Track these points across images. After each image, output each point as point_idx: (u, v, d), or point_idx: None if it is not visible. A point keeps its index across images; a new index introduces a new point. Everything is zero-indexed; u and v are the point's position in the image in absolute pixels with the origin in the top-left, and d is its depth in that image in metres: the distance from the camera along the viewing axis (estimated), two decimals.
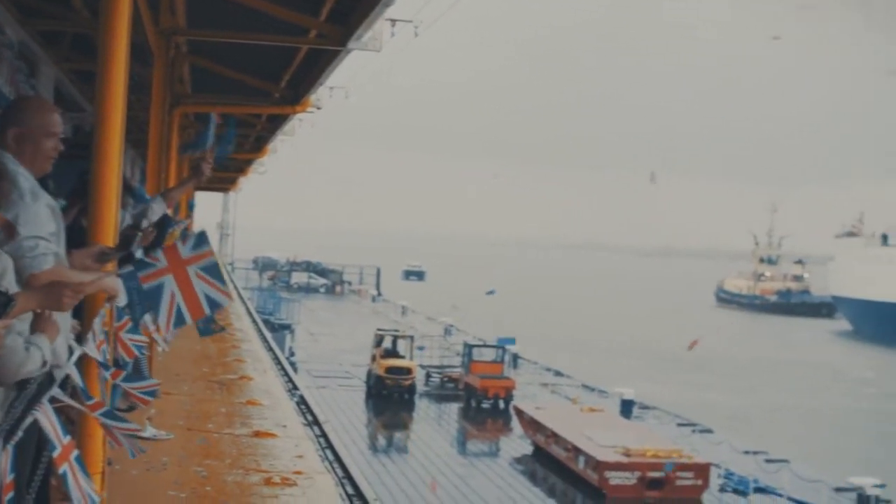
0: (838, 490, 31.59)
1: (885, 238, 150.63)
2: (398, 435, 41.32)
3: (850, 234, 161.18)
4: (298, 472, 9.52)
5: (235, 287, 51.97)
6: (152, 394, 6.29)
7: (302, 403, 36.46)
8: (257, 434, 10.92)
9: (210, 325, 9.46)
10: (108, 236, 6.47)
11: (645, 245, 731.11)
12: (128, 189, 8.34)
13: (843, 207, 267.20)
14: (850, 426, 69.39)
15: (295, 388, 38.97)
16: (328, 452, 33.73)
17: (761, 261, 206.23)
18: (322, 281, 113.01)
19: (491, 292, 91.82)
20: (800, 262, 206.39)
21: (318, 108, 29.92)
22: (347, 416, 42.13)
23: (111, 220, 6.55)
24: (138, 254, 6.97)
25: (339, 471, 30.68)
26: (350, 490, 28.23)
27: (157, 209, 8.63)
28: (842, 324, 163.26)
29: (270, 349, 48.56)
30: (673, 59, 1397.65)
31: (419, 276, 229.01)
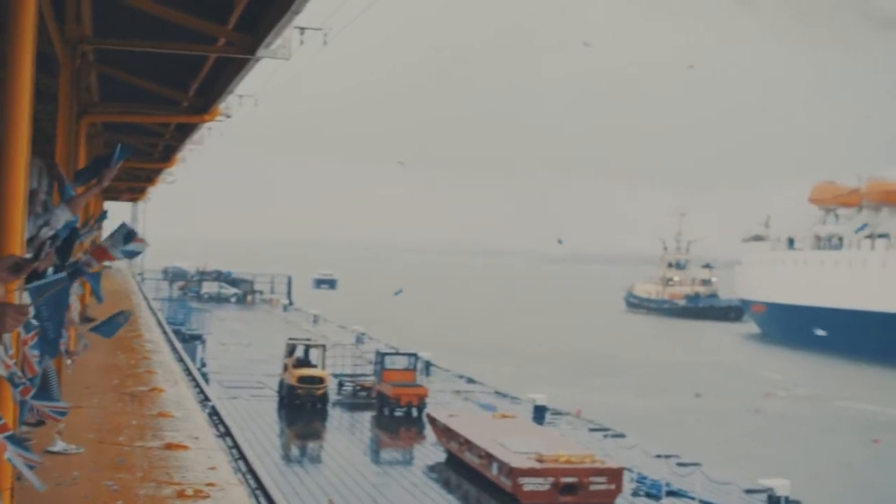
0: (749, 492, 31.94)
1: (790, 242, 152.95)
2: (311, 445, 41.12)
3: (757, 238, 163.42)
4: (211, 484, 9.43)
5: (145, 298, 51.44)
6: (62, 414, 6.20)
7: (214, 415, 36.19)
8: (169, 446, 10.81)
9: (115, 323, 9.18)
10: (16, 246, 6.38)
11: (555, 251, 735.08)
12: (35, 196, 8.20)
13: (751, 212, 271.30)
14: (761, 428, 70.31)
15: (207, 399, 38.65)
16: (241, 463, 33.50)
17: (670, 266, 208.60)
18: (233, 291, 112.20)
19: (398, 292, 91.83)
20: (708, 266, 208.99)
21: (228, 117, 29.77)
22: (260, 426, 41.84)
23: (18, 230, 6.46)
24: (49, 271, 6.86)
25: (251, 482, 30.47)
26: (263, 501, 28.06)
27: (61, 216, 8.49)
28: (750, 327, 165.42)
29: (181, 360, 48.08)
30: (580, 66, 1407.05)
31: (331, 284, 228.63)
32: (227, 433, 38.89)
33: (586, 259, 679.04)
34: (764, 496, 30.33)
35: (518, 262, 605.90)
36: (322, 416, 45.45)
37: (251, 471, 32.75)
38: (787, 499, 29.52)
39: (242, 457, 34.96)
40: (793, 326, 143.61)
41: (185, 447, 10.78)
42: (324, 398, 46.61)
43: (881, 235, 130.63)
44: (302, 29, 17.60)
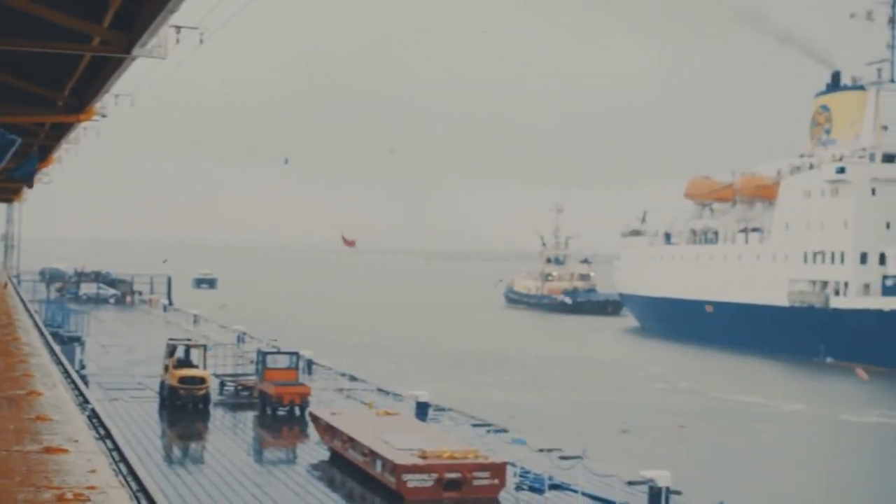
0: (631, 483, 32.35)
1: (667, 237, 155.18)
2: (193, 446, 40.77)
3: (635, 233, 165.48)
4: (92, 488, 9.34)
5: (22, 300, 50.55)
6: None
7: (94, 417, 35.67)
8: (48, 450, 10.67)
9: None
10: None
11: (435, 248, 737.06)
12: None
13: (629, 207, 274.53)
14: (642, 420, 71.25)
15: (86, 401, 38.06)
16: (122, 466, 33.04)
17: (548, 261, 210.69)
18: (112, 291, 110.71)
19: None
20: (586, 261, 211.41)
21: (104, 116, 29.37)
22: (141, 428, 41.38)
23: None
24: None
25: (133, 484, 30.09)
26: (145, 503, 27.74)
27: None
28: (629, 320, 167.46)
29: (60, 363, 47.31)
30: (458, 67, 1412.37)
31: (210, 283, 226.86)
32: (107, 436, 38.31)
33: (467, 255, 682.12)
34: (645, 487, 30.71)
35: (401, 260, 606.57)
36: (204, 416, 45.08)
37: (132, 473, 32.31)
38: (668, 489, 29.90)
39: (124, 459, 34.49)
40: (670, 320, 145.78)
41: (64, 451, 10.65)
42: (205, 398, 46.23)
43: (755, 229, 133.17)
44: (178, 28, 17.46)
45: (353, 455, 34.28)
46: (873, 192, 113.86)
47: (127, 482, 29.90)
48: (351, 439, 34.55)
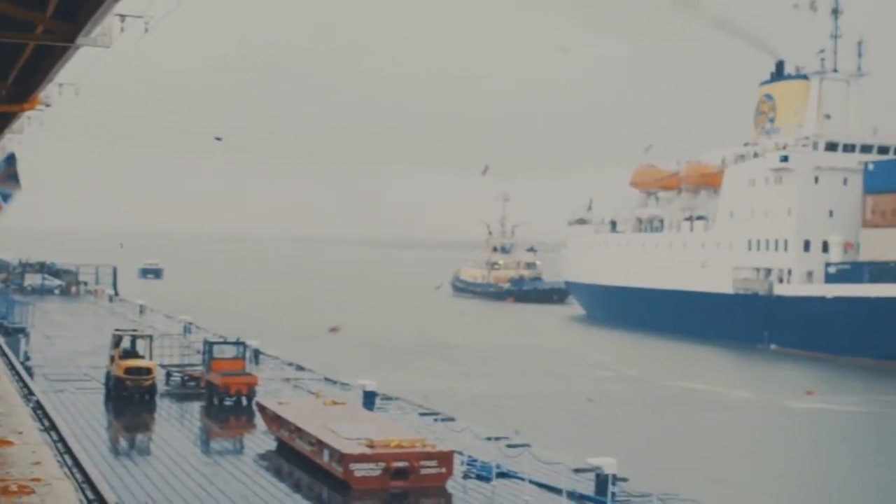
0: (577, 471, 32.49)
1: (613, 225, 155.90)
2: (140, 436, 40.53)
3: (581, 222, 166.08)
4: (36, 480, 9.32)
5: None
6: None
7: (38, 409, 35.47)
8: None
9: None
10: None
11: (383, 237, 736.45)
12: None
13: (576, 196, 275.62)
14: (589, 408, 71.62)
15: (31, 393, 37.85)
16: (67, 458, 32.86)
17: (495, 250, 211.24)
18: (57, 282, 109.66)
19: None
20: (532, 249, 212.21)
21: (48, 106, 29.15)
22: (87, 419, 41.07)
23: None
24: None
25: (78, 476, 29.92)
26: (91, 495, 27.58)
27: None
28: (575, 308, 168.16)
29: (4, 354, 47.00)
30: (406, 58, 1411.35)
31: (156, 274, 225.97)
32: (52, 427, 38.09)
33: (415, 244, 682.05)
34: (592, 475, 30.87)
35: (349, 250, 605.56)
36: (150, 407, 44.83)
37: (78, 465, 32.13)
38: (614, 476, 30.08)
39: (69, 451, 34.29)
40: (615, 307, 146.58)
41: (8, 443, 10.61)
42: (152, 389, 45.97)
43: (699, 217, 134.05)
44: (122, 16, 17.36)
45: (300, 445, 34.24)
46: (816, 180, 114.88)
47: (72, 474, 29.75)
48: (298, 429, 34.51)
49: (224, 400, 45.28)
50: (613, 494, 29.74)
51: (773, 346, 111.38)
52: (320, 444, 32.28)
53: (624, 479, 31.59)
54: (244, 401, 44.94)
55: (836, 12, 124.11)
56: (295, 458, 34.40)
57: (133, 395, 45.40)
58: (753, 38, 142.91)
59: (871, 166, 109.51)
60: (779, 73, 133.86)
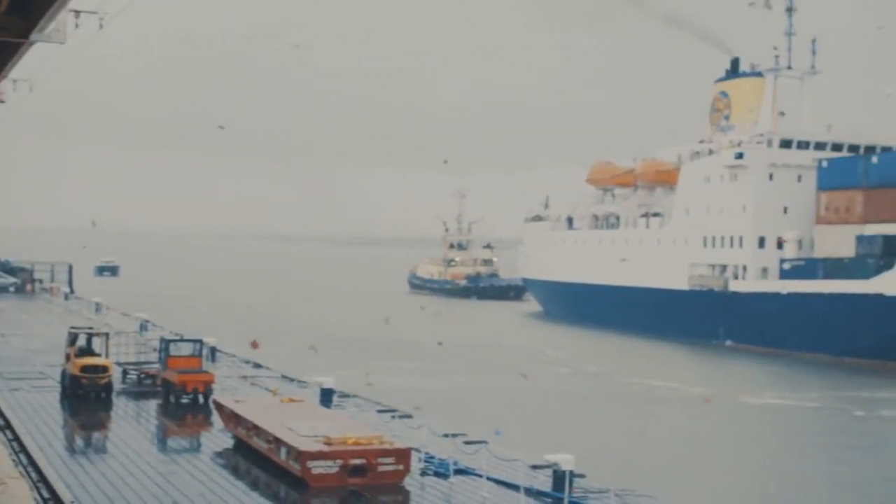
0: (535, 467, 32.55)
1: (570, 221, 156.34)
2: (96, 435, 40.25)
3: (538, 219, 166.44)
4: None
5: None
6: None
7: None
8: None
9: None
10: None
11: (340, 234, 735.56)
12: None
13: (533, 193, 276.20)
14: (547, 405, 71.83)
15: None
16: (22, 457, 32.71)
17: (451, 246, 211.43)
18: (11, 280, 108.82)
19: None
20: (489, 246, 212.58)
21: (2, 102, 28.95)
22: (42, 417, 40.79)
23: None
24: None
25: (34, 474, 29.79)
26: (46, 493, 27.44)
27: None
28: (532, 305, 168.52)
29: None
30: (359, 54, 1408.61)
31: (113, 271, 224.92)
32: (7, 426, 37.91)
33: (372, 241, 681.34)
34: (549, 471, 30.94)
35: (305, 246, 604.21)
36: (106, 405, 44.58)
37: (33, 463, 31.96)
38: (571, 473, 30.16)
39: (24, 449, 34.11)
40: (572, 304, 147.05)
41: None
42: (108, 387, 45.72)
43: (655, 214, 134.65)
44: (77, 12, 17.24)
45: (257, 443, 34.17)
46: (771, 177, 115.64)
47: (27, 472, 29.62)
48: (255, 427, 34.43)
49: (181, 398, 45.10)
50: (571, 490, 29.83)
51: (728, 343, 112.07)
52: (277, 442, 32.22)
53: (581, 476, 31.68)
54: (201, 399, 44.78)
55: (790, 10, 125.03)
56: (252, 455, 34.31)
57: (89, 394, 45.15)
58: (709, 35, 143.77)
59: (824, 163, 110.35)
60: (734, 71, 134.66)
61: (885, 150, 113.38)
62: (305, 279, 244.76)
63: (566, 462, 30.24)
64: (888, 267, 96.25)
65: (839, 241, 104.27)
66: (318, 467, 30.16)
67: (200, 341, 48.85)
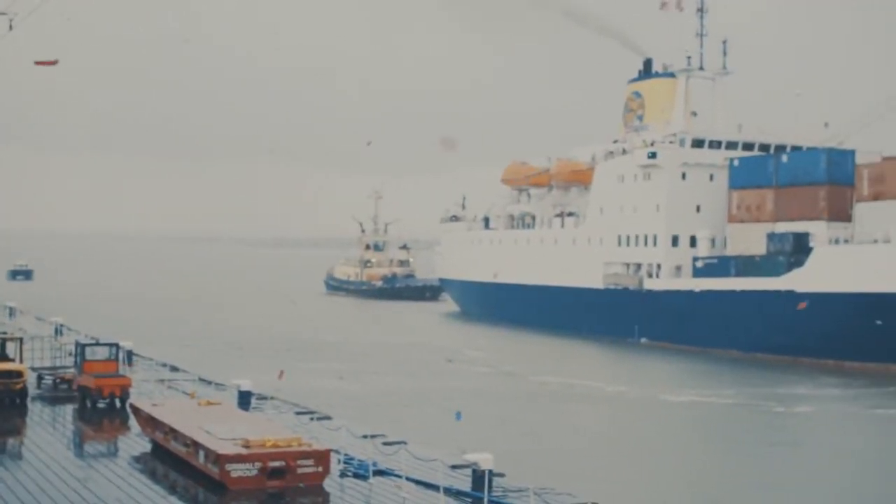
0: (454, 467, 32.73)
1: (486, 222, 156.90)
2: (11, 441, 39.76)
3: (454, 219, 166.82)
4: None
5: None
6: None
7: None
8: None
9: None
10: None
11: (256, 235, 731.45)
12: None
13: (450, 193, 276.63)
14: (465, 405, 72.00)
15: None
16: None
17: (367, 247, 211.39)
18: None
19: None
20: (405, 247, 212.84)
21: None
22: None
23: None
24: None
25: None
26: None
27: None
28: (449, 305, 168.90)
29: None
30: (272, 54, 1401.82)
31: (27, 275, 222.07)
32: None
33: (289, 243, 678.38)
34: (469, 470, 31.11)
35: (221, 248, 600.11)
36: (21, 411, 44.08)
37: None
38: (490, 472, 30.33)
39: None
40: (488, 303, 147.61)
41: None
42: (22, 393, 45.23)
43: (570, 214, 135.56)
44: None
45: (175, 446, 34.03)
46: (683, 176, 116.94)
47: None
48: (173, 430, 34.28)
49: (97, 402, 44.74)
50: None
51: (643, 340, 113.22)
52: (196, 446, 32.12)
53: (500, 475, 31.91)
54: (118, 403, 44.45)
55: (701, 11, 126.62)
56: (170, 459, 34.18)
57: (3, 399, 44.62)
58: (623, 37, 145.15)
59: (735, 162, 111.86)
60: (647, 72, 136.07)
61: (795, 149, 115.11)
62: (220, 281, 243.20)
63: (485, 461, 30.42)
64: (798, 264, 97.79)
65: (751, 239, 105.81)
66: (237, 470, 30.10)
67: (117, 345, 48.48)
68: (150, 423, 36.84)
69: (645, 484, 50.97)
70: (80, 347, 47.12)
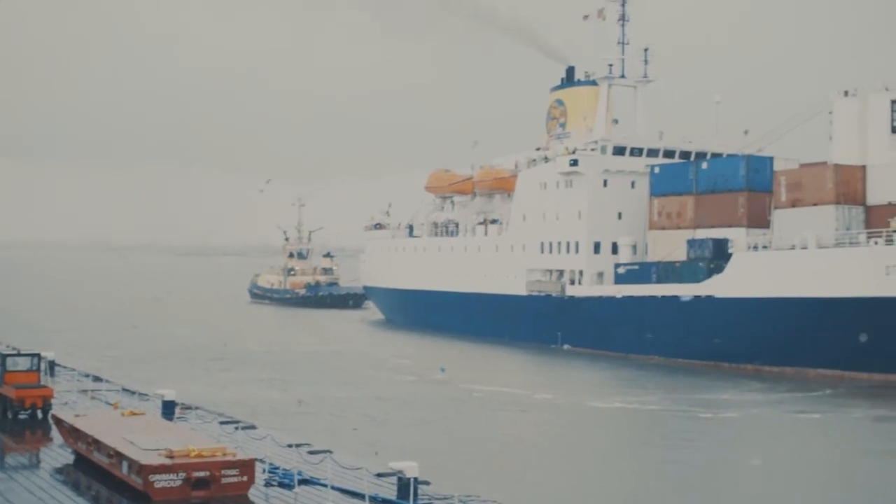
0: (380, 475, 32.85)
1: (410, 229, 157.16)
2: None
3: (378, 227, 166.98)
4: None
5: None
6: None
7: None
8: None
9: None
10: None
11: (180, 244, 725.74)
12: None
13: (375, 201, 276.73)
14: (391, 413, 72.05)
15: None
16: None
17: (291, 256, 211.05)
18: None
19: None
20: (329, 255, 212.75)
21: None
22: None
23: None
24: None
25: None
26: None
27: None
28: (373, 313, 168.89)
29: None
30: (189, 57, 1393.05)
31: None
32: None
33: (213, 251, 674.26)
34: (394, 479, 31.23)
35: (147, 258, 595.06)
36: None
37: None
38: (416, 480, 30.48)
39: None
40: (415, 311, 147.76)
41: None
42: None
43: (493, 221, 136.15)
44: None
45: (98, 457, 33.85)
46: (605, 183, 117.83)
47: None
48: (96, 441, 34.10)
49: (19, 413, 44.36)
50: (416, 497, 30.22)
51: (566, 347, 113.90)
52: (119, 456, 31.98)
53: (426, 483, 32.07)
54: (40, 414, 44.11)
55: (623, 20, 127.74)
56: (93, 470, 34.00)
57: None
58: (547, 46, 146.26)
59: (656, 169, 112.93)
60: (569, 80, 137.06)
61: (715, 156, 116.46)
62: (148, 289, 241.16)
63: (411, 469, 30.58)
64: (718, 270, 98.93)
65: (671, 246, 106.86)
66: (161, 481, 30.00)
67: (38, 355, 48.05)
68: (72, 434, 36.60)
69: (573, 491, 51.20)
70: (1, 358, 46.63)
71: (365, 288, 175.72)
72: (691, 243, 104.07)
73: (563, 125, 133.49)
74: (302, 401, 74.13)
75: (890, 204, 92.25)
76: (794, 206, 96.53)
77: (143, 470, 30.11)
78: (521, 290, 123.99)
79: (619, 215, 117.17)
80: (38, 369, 47.10)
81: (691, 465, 57.40)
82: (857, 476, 55.90)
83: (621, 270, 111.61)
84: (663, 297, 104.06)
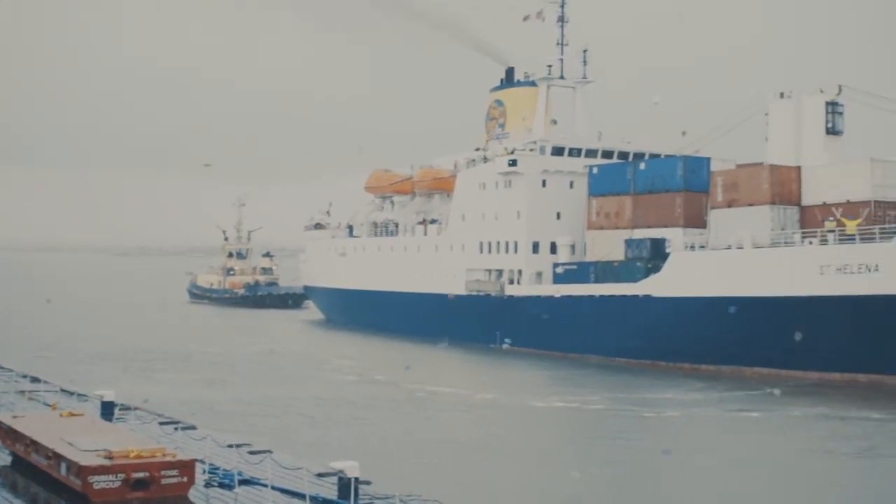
0: (320, 475, 32.85)
1: (350, 229, 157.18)
2: None
3: (319, 227, 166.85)
4: None
5: None
6: None
7: None
8: None
9: None
10: None
11: (117, 244, 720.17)
12: None
13: (315, 201, 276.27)
14: (332, 413, 72.02)
15: None
16: None
17: (230, 255, 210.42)
18: None
19: None
20: (268, 255, 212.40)
21: None
22: None
23: None
24: None
25: None
26: None
27: None
28: (313, 313, 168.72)
29: None
30: (129, 57, 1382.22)
31: None
32: None
33: (152, 251, 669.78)
34: (335, 478, 31.24)
35: (75, 257, 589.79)
36: None
37: None
38: (356, 479, 30.50)
39: None
40: (355, 311, 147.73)
41: None
42: None
43: (433, 221, 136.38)
44: None
45: (36, 459, 33.63)
46: (544, 183, 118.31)
47: None
48: (34, 442, 33.87)
49: None
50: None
51: (505, 346, 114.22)
52: (57, 458, 31.79)
53: (367, 482, 32.14)
54: None
55: (562, 21, 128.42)
56: (31, 472, 33.77)
57: None
58: (486, 47, 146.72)
59: (594, 170, 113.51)
60: (508, 80, 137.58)
61: (654, 156, 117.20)
62: (86, 290, 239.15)
63: (351, 469, 30.60)
64: (655, 270, 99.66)
65: (610, 246, 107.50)
66: (100, 482, 29.85)
67: None
68: (9, 435, 36.32)
69: (515, 491, 51.35)
70: None
71: (305, 288, 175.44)
72: (629, 243, 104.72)
73: (502, 125, 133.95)
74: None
75: (824, 204, 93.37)
76: (730, 206, 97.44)
77: (82, 471, 29.95)
78: (461, 290, 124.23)
79: (558, 215, 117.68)
80: None
81: (635, 464, 57.74)
82: (801, 473, 56.49)
83: (560, 270, 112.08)
84: (601, 296, 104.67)
